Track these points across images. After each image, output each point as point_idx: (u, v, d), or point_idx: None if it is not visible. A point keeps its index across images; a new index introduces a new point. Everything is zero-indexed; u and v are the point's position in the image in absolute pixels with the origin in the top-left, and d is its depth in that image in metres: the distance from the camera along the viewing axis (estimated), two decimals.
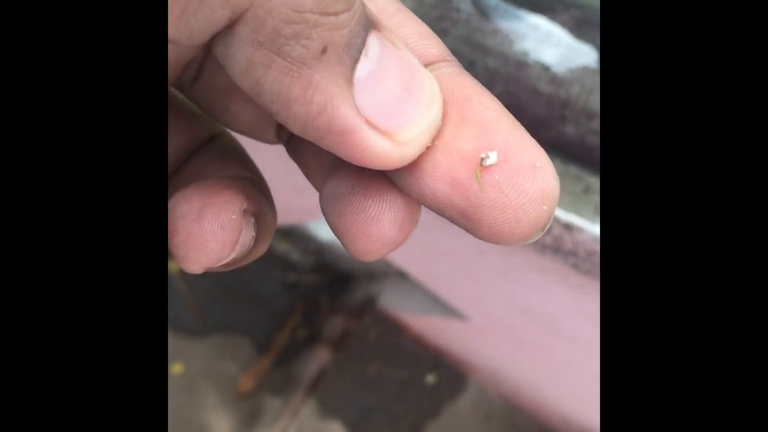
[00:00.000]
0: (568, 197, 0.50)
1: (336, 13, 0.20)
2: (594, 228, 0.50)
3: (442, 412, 1.26)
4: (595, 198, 0.49)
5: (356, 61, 0.21)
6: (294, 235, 1.33)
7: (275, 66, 0.20)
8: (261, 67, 0.21)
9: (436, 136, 0.23)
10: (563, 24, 0.50)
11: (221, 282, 1.37)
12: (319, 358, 1.30)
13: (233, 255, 0.26)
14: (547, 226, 0.23)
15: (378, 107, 0.21)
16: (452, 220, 0.24)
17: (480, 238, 0.23)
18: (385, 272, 1.22)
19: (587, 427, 1.05)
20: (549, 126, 0.50)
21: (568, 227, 0.51)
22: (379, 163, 0.22)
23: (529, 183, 0.22)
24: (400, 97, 0.22)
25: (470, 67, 0.51)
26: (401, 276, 1.10)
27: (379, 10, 0.25)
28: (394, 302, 1.25)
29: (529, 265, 0.61)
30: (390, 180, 0.24)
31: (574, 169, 0.50)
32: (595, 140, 0.49)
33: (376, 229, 0.24)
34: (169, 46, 0.21)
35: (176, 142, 0.29)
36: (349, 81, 0.21)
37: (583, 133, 0.49)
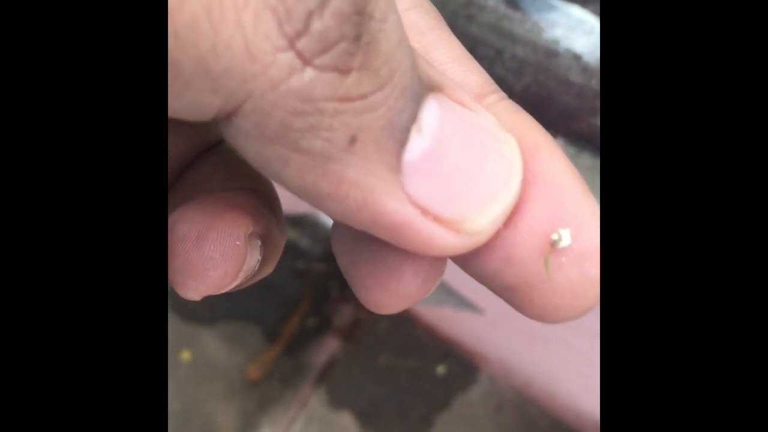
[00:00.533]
0: (598, 191, 0.48)
1: (363, 96, 0.16)
2: None
3: (453, 403, 1.25)
4: None
5: (403, 142, 0.17)
6: (304, 222, 1.32)
7: (294, 163, 0.17)
8: (277, 163, 0.17)
9: None
10: (596, 12, 0.49)
11: None
12: (329, 347, 1.29)
13: (236, 282, 0.23)
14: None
15: (438, 192, 0.17)
16: (494, 291, 0.21)
17: (524, 314, 0.20)
18: None
19: (599, 422, 1.04)
20: (580, 118, 0.48)
21: None
22: (442, 255, 0.18)
23: (595, 269, 0.19)
24: (468, 176, 0.18)
25: (498, 55, 0.49)
26: None
27: (408, 27, 0.21)
28: None
29: None
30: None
31: None
32: None
33: (396, 283, 0.21)
34: None
35: (178, 145, 0.26)
36: (395, 168, 0.17)
37: None
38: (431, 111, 0.18)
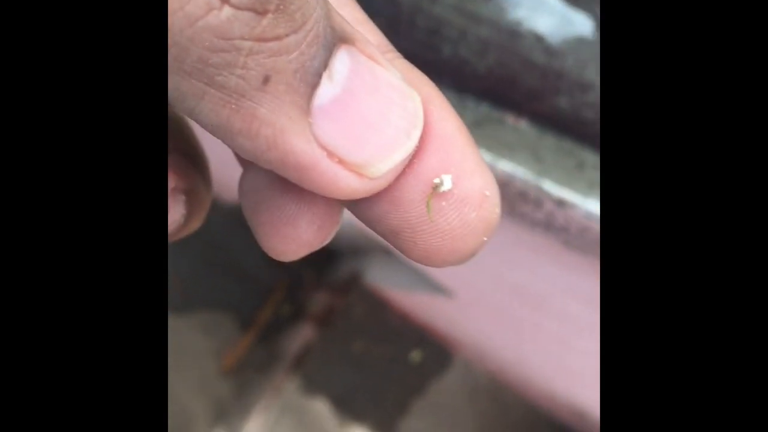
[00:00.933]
0: (561, 172, 0.49)
1: (278, 38, 0.17)
2: (587, 204, 0.48)
3: (428, 389, 1.26)
4: (589, 173, 0.48)
5: (314, 86, 0.18)
6: None
7: (209, 97, 0.17)
8: (192, 97, 0.18)
9: None
10: None
11: (204, 258, 1.35)
12: (304, 334, 1.29)
13: None
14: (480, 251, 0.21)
15: (343, 137, 0.19)
16: (381, 235, 0.22)
17: (410, 258, 0.22)
18: (370, 248, 1.21)
19: (574, 405, 1.05)
20: (542, 98, 0.48)
21: (560, 203, 0.49)
22: (343, 197, 0.19)
23: (475, 214, 0.20)
24: (372, 124, 0.19)
25: (461, 36, 0.49)
26: (386, 252, 1.09)
27: None
28: (379, 278, 1.24)
29: (519, 242, 0.60)
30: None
31: (567, 144, 0.49)
32: (589, 114, 0.48)
33: (292, 230, 0.22)
34: None
35: None
36: (305, 110, 0.18)
37: (577, 106, 0.48)
38: (342, 61, 0.19)
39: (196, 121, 0.18)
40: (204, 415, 1.24)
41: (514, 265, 0.68)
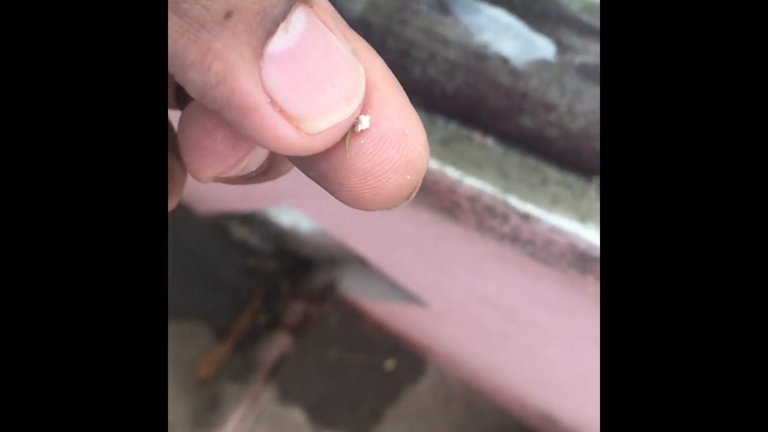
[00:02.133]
0: (526, 188, 0.51)
1: None
2: (551, 218, 0.50)
3: (402, 396, 1.27)
4: (552, 188, 0.50)
5: (270, 33, 0.19)
6: (253, 220, 1.32)
7: (170, 24, 0.18)
8: None
9: None
10: (522, 17, 0.51)
11: (180, 267, 1.36)
12: (280, 343, 1.30)
13: None
14: (412, 196, 0.22)
15: (288, 88, 0.20)
16: (313, 180, 0.23)
17: (340, 200, 0.22)
18: (345, 258, 1.22)
19: (542, 410, 1.07)
20: (508, 118, 0.51)
21: (525, 217, 0.51)
22: (280, 150, 0.20)
23: (395, 150, 0.21)
24: (316, 82, 0.20)
25: (431, 58, 0.51)
26: (361, 262, 1.10)
27: None
28: (354, 288, 1.25)
29: (488, 254, 0.62)
30: None
31: (531, 160, 0.51)
32: (552, 132, 0.50)
33: (210, 142, 0.23)
34: None
35: None
36: (258, 54, 0.19)
37: (540, 125, 0.50)
38: (299, 18, 0.20)
39: None
40: (181, 424, 1.24)
41: (483, 276, 0.70)
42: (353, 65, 0.21)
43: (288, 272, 1.37)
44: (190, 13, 0.18)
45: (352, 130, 0.21)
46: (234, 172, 0.24)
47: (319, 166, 0.22)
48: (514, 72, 0.50)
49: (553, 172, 0.51)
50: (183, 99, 0.27)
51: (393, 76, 0.22)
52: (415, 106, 0.53)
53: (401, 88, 0.22)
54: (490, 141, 0.52)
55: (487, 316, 0.84)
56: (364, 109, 0.21)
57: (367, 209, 0.22)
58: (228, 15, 0.18)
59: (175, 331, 1.32)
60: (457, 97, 0.52)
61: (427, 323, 1.10)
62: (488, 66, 0.51)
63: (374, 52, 0.23)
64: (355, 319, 1.31)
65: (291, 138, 0.20)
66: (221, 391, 1.28)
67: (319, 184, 0.23)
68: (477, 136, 0.52)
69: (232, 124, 0.20)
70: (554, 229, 0.51)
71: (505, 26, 0.51)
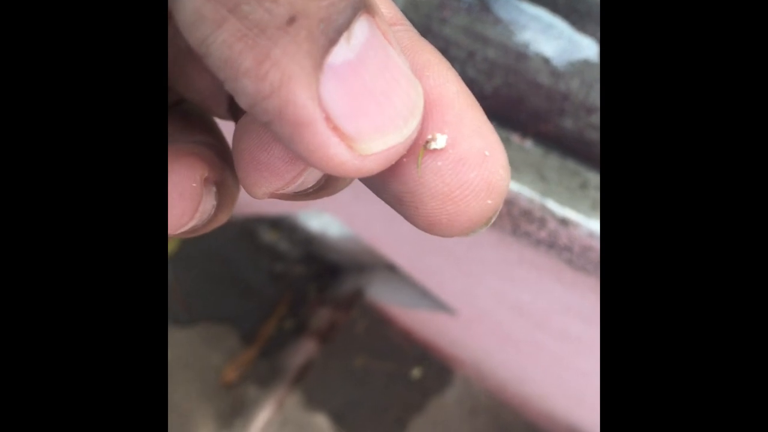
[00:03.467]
0: (565, 192, 0.50)
1: None
2: (590, 224, 0.49)
3: (428, 406, 1.26)
4: (592, 193, 0.49)
5: (333, 42, 0.18)
6: (282, 225, 1.32)
7: (228, 26, 0.17)
8: (211, 23, 0.17)
9: None
10: (565, 16, 0.50)
11: (207, 270, 1.36)
12: (306, 349, 1.29)
13: (192, 223, 0.24)
14: (492, 221, 0.21)
15: (345, 103, 0.18)
16: (388, 203, 0.22)
17: (416, 226, 0.21)
18: (373, 264, 1.22)
19: (573, 425, 1.05)
20: (548, 119, 0.49)
21: (564, 222, 0.50)
22: (329, 170, 0.19)
23: (475, 173, 0.20)
24: (375, 99, 0.18)
25: (470, 57, 0.50)
26: (390, 269, 1.09)
27: None
28: (382, 295, 1.24)
29: (522, 260, 0.61)
30: None
31: (571, 164, 0.50)
32: (593, 135, 0.49)
33: (266, 156, 0.21)
34: None
35: None
36: (318, 64, 0.18)
37: (581, 128, 0.49)
38: (362, 28, 0.18)
39: (204, 54, 0.18)
40: (205, 429, 1.24)
41: (516, 283, 0.69)
42: (412, 82, 0.19)
43: (316, 278, 1.36)
44: (252, 16, 0.17)
45: (426, 148, 0.20)
46: (291, 189, 0.23)
47: (393, 188, 0.21)
48: (555, 72, 0.49)
49: (593, 176, 0.49)
50: (236, 110, 0.27)
51: (468, 91, 0.21)
52: None
53: (478, 104, 0.21)
54: (528, 143, 0.51)
55: (518, 325, 0.82)
56: (440, 127, 0.20)
57: (444, 235, 0.21)
58: (291, 20, 0.17)
59: (201, 334, 1.32)
60: (496, 98, 0.50)
61: (455, 332, 1.09)
62: (529, 66, 0.50)
63: (448, 64, 0.21)
64: (382, 326, 1.30)
65: (343, 158, 0.18)
66: (246, 396, 1.27)
67: (393, 208, 0.22)
68: (515, 138, 0.51)
69: (281, 139, 0.19)
70: (593, 235, 0.50)
71: (547, 25, 0.50)
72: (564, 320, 0.71)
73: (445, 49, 0.51)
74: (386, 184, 0.21)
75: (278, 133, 0.18)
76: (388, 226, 0.76)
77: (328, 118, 0.18)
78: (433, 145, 0.20)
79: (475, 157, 0.20)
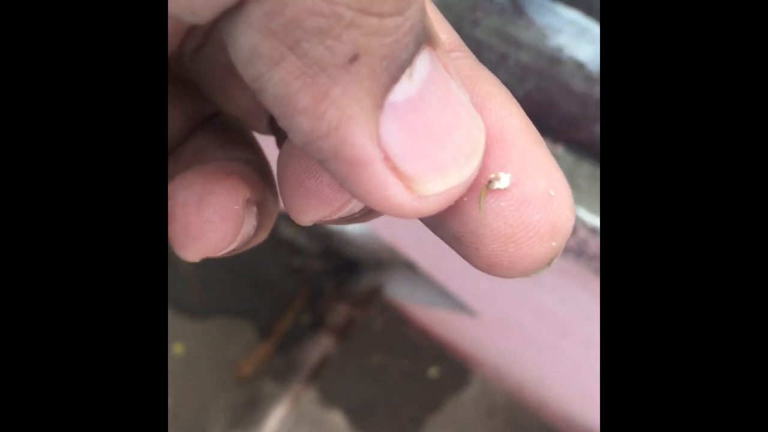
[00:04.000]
0: (596, 200, 0.48)
1: (381, 15, 0.16)
2: None
3: (444, 405, 1.25)
4: None
5: (395, 80, 0.17)
6: None
7: (286, 64, 0.16)
8: (268, 60, 0.16)
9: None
10: (600, 19, 0.49)
11: (225, 264, 1.36)
12: (322, 345, 1.29)
13: (234, 245, 0.24)
14: (554, 262, 0.20)
15: (405, 143, 0.17)
16: (445, 241, 0.21)
17: (474, 266, 0.20)
18: (393, 262, 1.21)
19: (590, 429, 1.04)
20: (581, 126, 0.48)
21: (593, 231, 0.49)
22: (386, 211, 0.18)
23: (540, 215, 0.19)
24: (437, 137, 0.17)
25: (502, 60, 0.49)
26: (409, 267, 1.08)
27: None
28: (400, 292, 1.24)
29: None
30: None
31: None
32: None
33: (314, 184, 0.21)
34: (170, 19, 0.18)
35: (176, 118, 0.26)
36: (378, 104, 0.17)
37: None
38: (424, 62, 0.17)
39: (258, 90, 0.17)
40: (220, 421, 1.24)
41: (541, 288, 0.68)
42: (474, 117, 0.18)
43: (334, 273, 1.36)
44: (312, 54, 0.16)
45: (489, 187, 0.19)
46: (338, 215, 0.22)
47: (452, 227, 0.20)
48: (589, 78, 0.48)
49: None
50: (278, 126, 0.26)
51: (532, 125, 0.20)
52: None
53: (542, 139, 0.20)
54: (560, 149, 0.50)
55: (540, 329, 0.81)
56: (502, 165, 0.19)
57: (504, 276, 0.20)
58: (353, 59, 0.16)
59: (217, 327, 1.32)
60: (528, 102, 0.49)
61: (474, 332, 1.08)
62: (562, 71, 0.48)
63: (510, 95, 0.20)
64: (400, 324, 1.29)
65: (401, 200, 0.17)
66: (261, 390, 1.27)
67: (450, 246, 0.21)
68: (546, 144, 0.50)
69: (335, 178, 0.18)
70: None
71: (581, 29, 0.49)
72: (588, 327, 0.70)
73: (477, 51, 0.50)
74: (445, 223, 0.20)
75: (333, 171, 0.17)
76: (408, 226, 0.75)
77: (387, 158, 0.17)
78: (496, 185, 0.19)
79: (540, 198, 0.19)
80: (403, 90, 0.17)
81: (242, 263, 1.37)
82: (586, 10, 0.49)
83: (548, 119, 0.49)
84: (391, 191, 0.17)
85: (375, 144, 0.17)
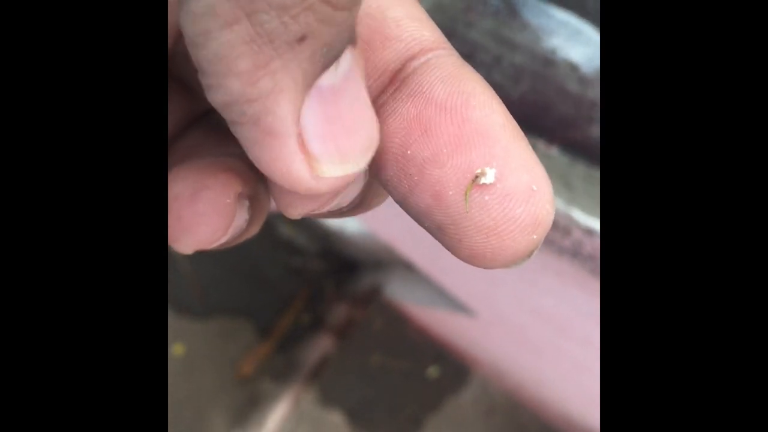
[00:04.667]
0: (591, 201, 0.49)
1: (335, 6, 0.17)
2: None
3: (444, 405, 1.25)
4: None
5: (326, 68, 0.18)
6: (301, 220, 1.32)
7: (238, 28, 0.17)
8: (222, 21, 0.17)
9: (430, 143, 0.20)
10: (593, 22, 0.49)
11: (225, 264, 1.36)
12: (322, 345, 1.29)
13: (225, 239, 0.24)
14: (534, 254, 0.20)
15: (319, 126, 0.18)
16: (429, 232, 0.21)
17: (457, 257, 0.21)
18: (392, 262, 1.21)
19: (589, 428, 1.04)
20: (575, 126, 0.48)
21: (588, 232, 0.49)
22: (283, 182, 0.19)
23: (522, 209, 0.20)
24: (345, 128, 0.19)
25: (496, 62, 0.49)
26: (408, 267, 1.09)
27: None
28: (400, 292, 1.24)
29: (546, 267, 0.60)
30: None
31: (598, 173, 0.49)
32: None
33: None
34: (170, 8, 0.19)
35: (172, 115, 0.27)
36: (309, 84, 0.18)
37: None
38: (347, 58, 0.19)
39: (198, 45, 0.18)
40: (220, 421, 1.24)
41: (538, 289, 0.68)
42: (374, 117, 0.20)
43: (333, 273, 1.36)
44: (266, 26, 0.17)
45: (475, 182, 0.20)
46: (326, 209, 0.23)
47: (437, 218, 0.20)
48: (583, 79, 0.48)
49: None
50: None
51: (515, 122, 0.21)
52: None
53: (523, 135, 0.21)
54: (554, 150, 0.50)
55: (539, 329, 0.82)
56: (487, 160, 0.20)
57: (485, 267, 0.21)
58: (302, 39, 0.17)
59: (217, 327, 1.32)
60: (522, 103, 0.49)
61: (473, 332, 1.08)
62: (556, 72, 0.49)
63: (492, 92, 0.21)
64: (399, 324, 1.29)
65: (301, 175, 0.19)
66: (261, 390, 1.27)
67: (433, 236, 0.21)
68: (541, 145, 0.50)
69: (242, 143, 0.19)
70: None
71: (575, 31, 0.49)
72: (586, 327, 0.70)
73: (471, 53, 0.50)
74: (430, 213, 0.21)
75: (243, 135, 0.19)
76: (406, 226, 0.75)
77: (299, 135, 0.18)
78: (482, 180, 0.20)
79: (522, 192, 0.20)
80: (328, 78, 0.18)
81: (242, 263, 1.37)
82: (580, 12, 0.49)
83: (543, 120, 0.50)
84: (295, 166, 0.18)
85: (295, 120, 0.18)
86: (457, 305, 0.97)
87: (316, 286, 1.36)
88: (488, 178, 0.20)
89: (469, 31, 0.50)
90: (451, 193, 0.20)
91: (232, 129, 0.19)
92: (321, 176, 0.19)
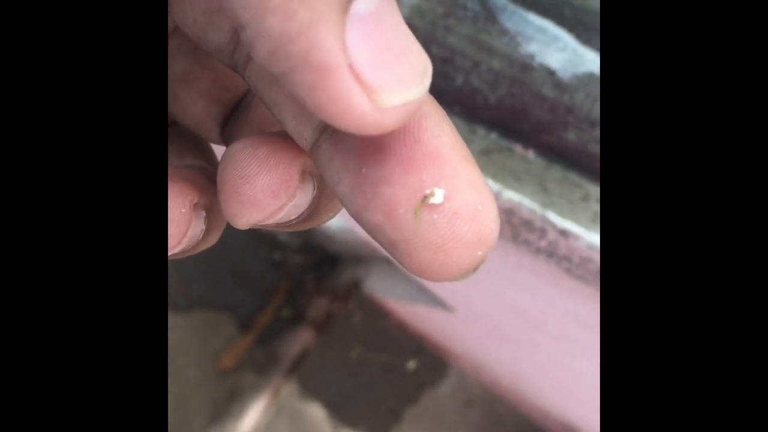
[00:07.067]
0: (567, 204, 0.50)
1: None
2: (590, 236, 0.49)
3: (422, 398, 1.27)
4: (594, 206, 0.49)
5: None
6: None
7: None
8: None
9: (383, 163, 0.20)
10: (570, 29, 0.50)
11: (206, 258, 1.36)
12: (302, 339, 1.30)
13: (180, 248, 0.25)
14: (478, 269, 0.21)
15: (368, 53, 0.18)
16: (381, 245, 0.22)
17: (405, 269, 0.21)
18: (372, 257, 1.22)
19: (567, 422, 1.06)
20: (551, 131, 0.50)
21: (564, 233, 0.50)
22: (348, 123, 0.18)
23: (468, 227, 0.20)
24: (394, 54, 0.18)
25: (474, 67, 0.50)
26: (388, 262, 1.09)
27: None
28: (379, 287, 1.25)
29: (521, 266, 0.61)
30: (289, 150, 0.22)
31: (574, 176, 0.50)
32: (596, 148, 0.49)
33: (249, 189, 0.22)
34: None
35: None
36: (344, 8, 0.17)
37: (585, 141, 0.49)
38: None
39: None
40: (201, 413, 1.25)
41: (515, 286, 0.69)
42: (418, 43, 0.19)
43: (314, 268, 1.37)
44: None
45: (425, 202, 0.20)
46: (273, 221, 0.23)
47: (388, 234, 0.21)
48: (559, 85, 0.49)
49: (595, 190, 0.50)
50: (229, 135, 0.27)
51: (463, 143, 0.21)
52: (455, 115, 0.52)
53: (471, 156, 0.21)
54: (531, 154, 0.51)
55: (516, 325, 0.83)
56: (436, 180, 0.20)
57: (434, 281, 0.21)
58: None
59: (198, 321, 1.32)
60: (500, 108, 0.50)
61: (451, 327, 1.09)
62: (533, 77, 0.50)
63: (444, 114, 0.21)
64: (378, 318, 1.30)
65: (364, 109, 0.18)
66: (242, 383, 1.28)
67: (385, 250, 0.22)
68: (518, 149, 0.51)
69: (296, 91, 0.18)
70: (593, 248, 0.50)
71: (552, 37, 0.50)
72: (561, 323, 0.71)
73: (450, 58, 0.51)
74: (382, 230, 0.21)
75: (296, 82, 0.18)
76: None
77: (351, 66, 0.17)
78: (431, 200, 0.20)
79: (468, 212, 0.20)
80: (364, 3, 0.18)
81: (223, 257, 1.37)
82: (557, 19, 0.50)
83: (520, 124, 0.51)
84: (355, 99, 0.18)
85: (342, 48, 0.17)
86: (435, 300, 0.98)
87: (297, 281, 1.37)
88: (437, 198, 0.20)
89: (448, 36, 0.51)
90: (401, 211, 0.20)
91: (286, 87, 0.18)
92: (383, 107, 0.18)
